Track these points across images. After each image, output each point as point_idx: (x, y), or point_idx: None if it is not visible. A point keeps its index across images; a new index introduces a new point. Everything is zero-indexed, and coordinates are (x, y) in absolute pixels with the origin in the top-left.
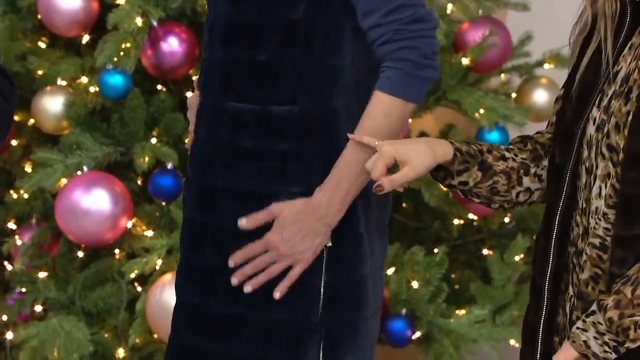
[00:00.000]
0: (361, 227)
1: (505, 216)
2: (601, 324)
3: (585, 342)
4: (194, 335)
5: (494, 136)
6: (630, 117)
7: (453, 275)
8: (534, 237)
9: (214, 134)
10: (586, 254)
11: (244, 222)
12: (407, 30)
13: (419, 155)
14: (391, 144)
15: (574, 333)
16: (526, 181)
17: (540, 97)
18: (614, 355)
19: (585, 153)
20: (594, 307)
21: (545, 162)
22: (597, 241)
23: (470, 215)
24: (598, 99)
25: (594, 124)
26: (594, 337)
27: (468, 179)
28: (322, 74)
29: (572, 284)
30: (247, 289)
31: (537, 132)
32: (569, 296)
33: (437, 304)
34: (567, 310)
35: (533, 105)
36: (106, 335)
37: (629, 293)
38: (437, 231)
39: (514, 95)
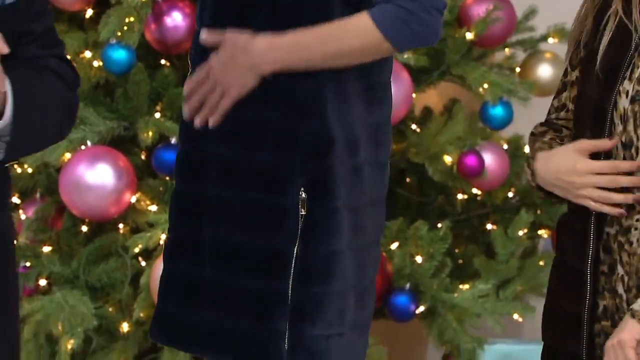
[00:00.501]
0: (339, 201)
1: (509, 191)
2: None
3: None
4: (168, 300)
5: (498, 111)
6: None
7: (457, 250)
8: (537, 212)
9: None
10: (636, 229)
11: (204, 35)
12: None
13: None
14: None
15: (635, 310)
16: None
17: (545, 71)
18: None
19: (620, 128)
20: None
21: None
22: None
23: (474, 190)
24: (629, 72)
25: (627, 97)
26: None
27: None
28: None
29: (620, 264)
30: (196, 123)
31: (555, 118)
32: (619, 276)
33: (441, 278)
34: (621, 291)
35: (537, 79)
36: (110, 309)
37: None
38: (441, 206)
39: (518, 69)
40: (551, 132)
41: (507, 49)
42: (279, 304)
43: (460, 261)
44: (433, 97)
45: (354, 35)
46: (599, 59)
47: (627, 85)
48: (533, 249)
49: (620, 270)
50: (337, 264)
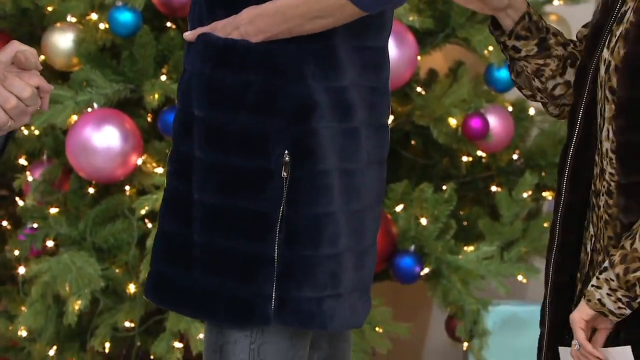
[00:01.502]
0: (326, 164)
1: (514, 153)
2: (613, 280)
3: (599, 300)
4: (162, 260)
5: (503, 73)
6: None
7: (461, 212)
8: (542, 174)
9: (198, 68)
10: (602, 195)
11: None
12: None
13: None
14: None
15: (589, 291)
16: (569, 73)
17: None
18: (628, 311)
19: (600, 94)
20: (606, 263)
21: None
22: (605, 186)
23: (479, 153)
24: (608, 39)
25: (604, 64)
26: (607, 294)
27: (522, 48)
28: None
29: (592, 223)
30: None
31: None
32: (590, 235)
33: (446, 240)
34: (589, 249)
35: None
36: (117, 270)
37: (628, 246)
38: (446, 168)
39: None
40: (577, 40)
41: None
42: (265, 267)
43: (465, 223)
44: (438, 60)
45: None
46: (592, 19)
47: (606, 54)
48: (537, 210)
49: (591, 229)
50: (327, 227)
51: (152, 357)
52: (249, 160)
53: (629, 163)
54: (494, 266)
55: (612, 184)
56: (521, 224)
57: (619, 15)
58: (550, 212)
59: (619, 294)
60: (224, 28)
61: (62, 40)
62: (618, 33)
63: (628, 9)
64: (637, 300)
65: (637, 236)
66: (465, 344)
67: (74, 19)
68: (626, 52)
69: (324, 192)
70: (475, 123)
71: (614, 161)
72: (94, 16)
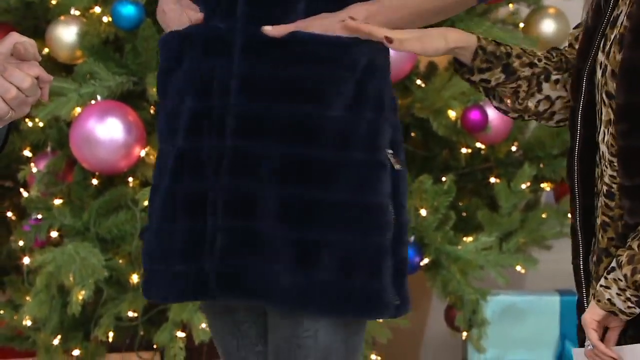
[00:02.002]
0: (402, 157)
1: (512, 145)
2: (621, 280)
3: (609, 300)
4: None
5: None
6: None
7: (461, 203)
8: (540, 165)
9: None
10: (600, 196)
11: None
12: None
13: (432, 37)
14: (402, 34)
15: (598, 292)
16: (546, 88)
17: (548, 27)
18: (638, 310)
19: (597, 97)
20: (613, 263)
21: (567, 75)
22: (605, 188)
23: (478, 144)
24: (602, 42)
25: (600, 67)
26: (617, 294)
27: (490, 78)
28: None
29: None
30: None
31: (566, 47)
32: (602, 235)
33: (445, 231)
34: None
35: (541, 35)
36: (120, 261)
37: (636, 247)
38: (445, 160)
39: (521, 25)
40: (547, 52)
41: (510, 5)
42: (386, 258)
43: (464, 214)
44: None
45: None
46: (588, 20)
47: (601, 57)
48: (535, 201)
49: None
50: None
51: (155, 346)
52: (365, 154)
53: (632, 166)
54: (492, 257)
55: (614, 186)
56: (519, 215)
57: (611, 18)
58: (548, 203)
59: (628, 294)
60: (327, 24)
61: (66, 33)
62: (612, 37)
63: (620, 12)
64: None
65: None
66: (465, 334)
67: (77, 12)
68: (623, 58)
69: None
70: (474, 115)
71: (615, 164)
72: (97, 9)
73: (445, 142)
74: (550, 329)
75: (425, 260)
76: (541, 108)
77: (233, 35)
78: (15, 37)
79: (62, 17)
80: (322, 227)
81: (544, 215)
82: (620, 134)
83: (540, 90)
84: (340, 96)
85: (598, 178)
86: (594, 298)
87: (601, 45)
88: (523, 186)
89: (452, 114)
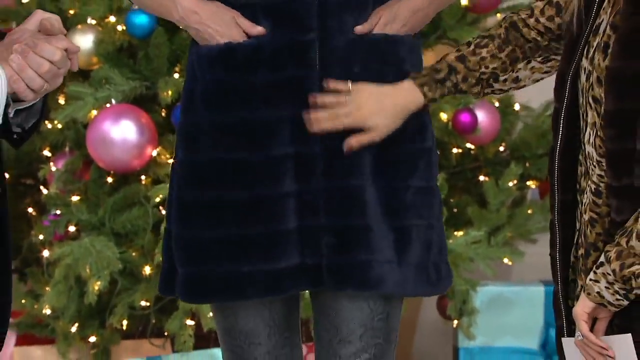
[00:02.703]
0: None
1: (500, 145)
2: (609, 274)
3: (598, 292)
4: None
5: None
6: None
7: (452, 200)
8: (526, 164)
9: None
10: (586, 193)
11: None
12: None
13: (387, 122)
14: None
15: (588, 285)
16: (496, 86)
17: None
18: (625, 302)
19: (581, 99)
20: (602, 258)
21: (520, 65)
22: (592, 186)
23: (468, 145)
24: (585, 49)
25: (584, 72)
26: (606, 287)
27: (452, 89)
28: None
29: (577, 220)
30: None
31: (529, 16)
32: (576, 231)
33: None
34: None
35: None
36: (134, 254)
37: (624, 243)
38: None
39: None
40: (500, 42)
41: (499, 15)
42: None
43: (455, 210)
44: (430, 59)
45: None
46: (573, 26)
47: (585, 63)
48: (522, 198)
49: (577, 225)
50: None
51: (165, 333)
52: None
53: (619, 168)
54: (481, 250)
55: (602, 185)
56: (507, 211)
57: (594, 27)
58: (534, 199)
59: (616, 287)
60: (392, 23)
61: (83, 41)
62: (595, 44)
63: (602, 21)
64: (633, 292)
65: (633, 234)
66: (455, 322)
67: (93, 22)
68: (611, 67)
69: None
70: (464, 117)
71: (603, 165)
72: (112, 19)
73: (437, 142)
74: (536, 317)
75: None
76: (521, 75)
77: (313, 45)
78: (40, 14)
79: (79, 26)
80: (410, 214)
81: (529, 211)
82: (608, 138)
83: (491, 87)
84: None
85: (581, 176)
86: (584, 291)
87: (584, 52)
88: (510, 184)
89: (443, 116)
